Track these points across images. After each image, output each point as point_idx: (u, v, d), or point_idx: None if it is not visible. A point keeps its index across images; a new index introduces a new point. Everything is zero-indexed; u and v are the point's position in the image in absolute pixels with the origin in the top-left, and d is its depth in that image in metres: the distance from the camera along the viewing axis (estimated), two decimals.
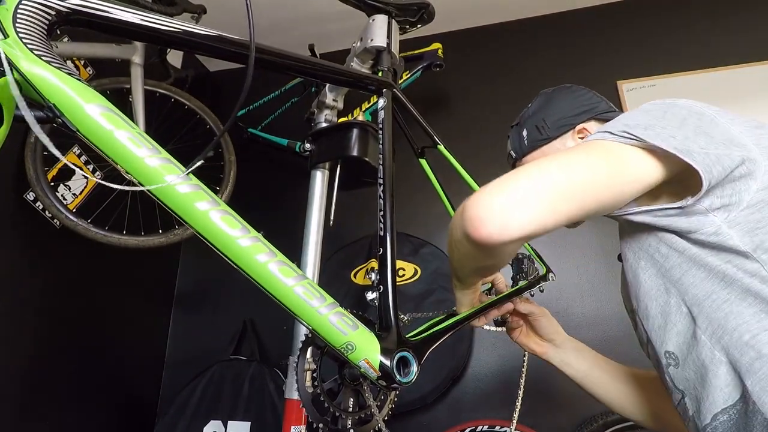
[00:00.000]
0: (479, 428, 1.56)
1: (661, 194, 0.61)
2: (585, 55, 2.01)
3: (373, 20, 1.32)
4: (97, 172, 1.67)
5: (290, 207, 1.91)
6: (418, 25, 1.47)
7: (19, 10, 0.51)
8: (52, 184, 1.45)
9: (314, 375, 0.85)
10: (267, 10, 2.04)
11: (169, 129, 1.71)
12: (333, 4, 1.39)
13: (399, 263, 1.81)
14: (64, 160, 0.50)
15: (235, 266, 0.60)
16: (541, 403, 1.56)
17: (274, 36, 2.16)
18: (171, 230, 1.57)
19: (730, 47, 1.86)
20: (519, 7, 2.11)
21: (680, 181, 0.57)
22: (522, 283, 1.03)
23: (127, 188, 0.54)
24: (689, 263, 0.58)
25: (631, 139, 0.56)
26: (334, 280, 1.84)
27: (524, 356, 1.04)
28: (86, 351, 1.69)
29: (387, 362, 0.68)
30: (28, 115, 0.47)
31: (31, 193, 1.48)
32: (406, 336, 0.76)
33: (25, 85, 0.50)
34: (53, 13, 0.54)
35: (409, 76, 1.79)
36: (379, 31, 1.29)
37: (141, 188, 0.54)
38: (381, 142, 0.92)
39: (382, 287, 0.76)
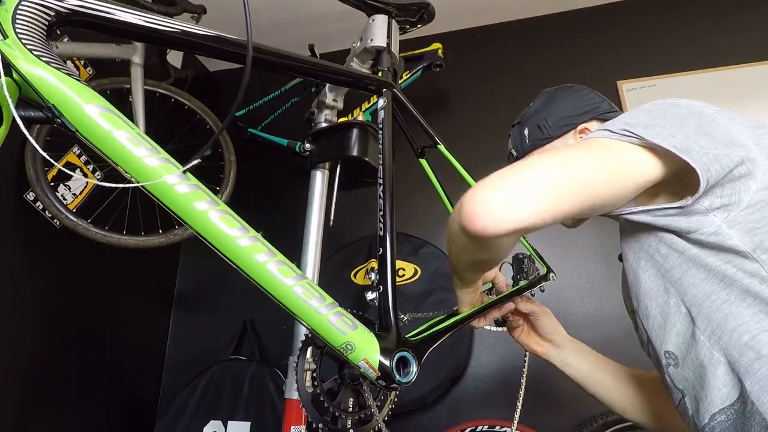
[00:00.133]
0: (479, 428, 1.56)
1: (660, 194, 0.61)
2: (585, 55, 2.01)
3: (373, 20, 1.32)
4: (97, 172, 1.67)
5: (290, 207, 1.91)
6: (418, 25, 1.47)
7: (18, 11, 0.51)
8: (52, 184, 1.45)
9: (314, 375, 0.85)
10: (267, 10, 2.04)
11: (169, 129, 1.71)
12: (333, 4, 1.39)
13: (399, 263, 1.81)
14: (58, 166, 0.51)
15: (234, 266, 0.60)
16: (542, 403, 1.56)
17: (273, 36, 2.16)
18: (171, 230, 1.57)
19: (730, 47, 1.86)
20: (519, 7, 2.11)
21: (680, 180, 0.57)
22: (523, 282, 1.02)
23: (123, 186, 0.54)
24: (689, 263, 0.58)
25: (630, 137, 0.56)
26: (334, 280, 1.84)
27: (525, 356, 1.04)
28: (86, 351, 1.69)
29: (386, 362, 0.68)
30: (16, 116, 0.47)
31: (31, 193, 1.48)
32: (406, 336, 0.76)
33: (24, 85, 0.50)
34: (52, 13, 0.54)
35: (409, 76, 1.79)
36: (379, 31, 1.29)
37: (136, 184, 0.54)
38: (381, 142, 0.92)
39: (381, 287, 0.76)
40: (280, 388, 1.72)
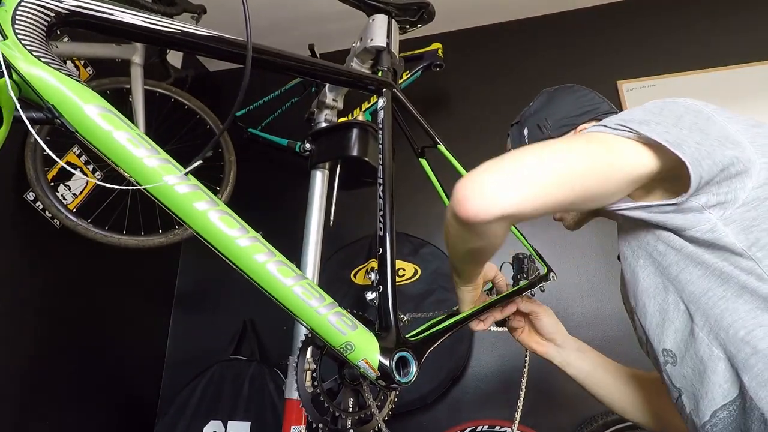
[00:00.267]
0: (479, 428, 1.56)
1: (656, 190, 0.61)
2: (585, 55, 2.01)
3: (373, 20, 1.32)
4: (98, 173, 1.67)
5: (290, 207, 1.91)
6: (418, 25, 1.47)
7: (18, 12, 0.51)
8: (52, 184, 1.45)
9: (314, 375, 0.85)
10: (267, 10, 2.04)
11: (169, 129, 1.71)
12: (333, 4, 1.39)
13: (399, 263, 1.81)
14: (61, 162, 0.51)
15: (233, 266, 0.61)
16: (542, 403, 1.56)
17: (273, 36, 2.16)
18: (171, 230, 1.57)
19: (730, 47, 1.86)
20: (519, 7, 2.11)
21: (676, 178, 0.57)
22: (523, 282, 1.02)
23: (124, 188, 0.54)
24: (686, 261, 0.59)
25: (625, 131, 0.57)
26: (334, 280, 1.84)
27: (525, 356, 1.04)
28: (86, 351, 1.69)
29: (386, 362, 0.68)
30: (24, 116, 0.47)
31: (31, 193, 1.48)
32: (406, 336, 0.76)
33: (24, 86, 0.50)
34: (52, 14, 0.54)
35: (409, 76, 1.79)
36: (379, 31, 1.29)
37: (138, 187, 0.54)
38: (381, 142, 0.92)
39: (381, 287, 0.77)
40: (280, 388, 1.72)
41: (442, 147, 1.17)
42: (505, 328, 0.99)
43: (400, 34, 1.40)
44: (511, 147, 0.99)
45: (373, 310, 0.77)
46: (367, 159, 1.34)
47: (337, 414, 0.83)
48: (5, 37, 0.49)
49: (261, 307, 1.88)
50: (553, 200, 0.54)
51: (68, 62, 1.63)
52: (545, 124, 0.92)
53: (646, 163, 0.57)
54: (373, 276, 0.79)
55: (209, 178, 1.58)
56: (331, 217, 1.40)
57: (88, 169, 1.65)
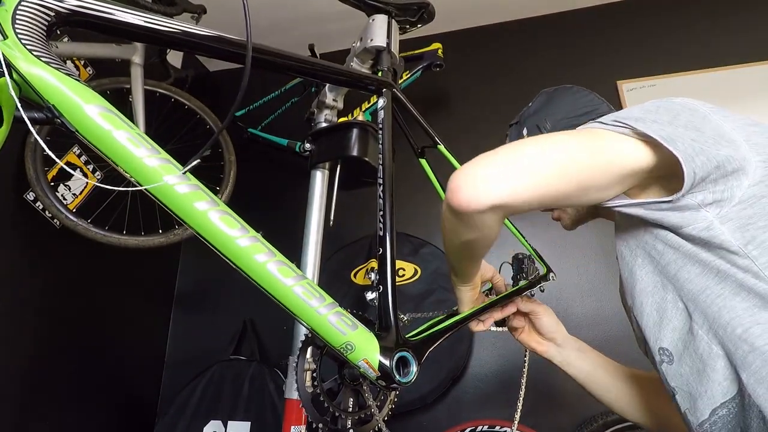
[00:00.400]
0: (479, 428, 1.56)
1: (652, 187, 0.62)
2: (585, 55, 2.01)
3: (373, 20, 1.32)
4: (98, 172, 1.67)
5: (290, 207, 1.91)
6: (418, 25, 1.47)
7: (18, 12, 0.51)
8: (52, 184, 1.45)
9: (314, 375, 0.85)
10: (267, 10, 2.04)
11: (169, 129, 1.71)
12: (333, 4, 1.39)
13: (399, 263, 1.81)
14: (60, 163, 0.51)
15: (234, 266, 0.61)
16: (542, 403, 1.56)
17: (273, 36, 2.16)
18: (171, 230, 1.57)
19: (730, 47, 1.86)
20: (519, 7, 2.11)
21: (673, 176, 0.57)
22: (522, 282, 1.02)
23: (124, 189, 0.54)
24: (684, 259, 0.59)
25: (620, 126, 0.58)
26: (334, 280, 1.84)
27: (525, 356, 1.04)
28: (86, 351, 1.69)
29: (386, 362, 0.68)
30: (25, 116, 0.47)
31: (31, 193, 1.48)
32: (406, 336, 0.76)
33: (24, 85, 0.50)
34: (52, 14, 0.54)
35: (409, 76, 1.79)
36: (379, 31, 1.29)
37: (138, 188, 0.54)
38: (381, 142, 0.92)
39: (381, 287, 0.77)
40: (280, 388, 1.72)
41: (442, 147, 1.17)
42: (505, 328, 0.99)
43: (400, 34, 1.40)
44: None
45: (373, 310, 0.77)
46: (367, 159, 1.34)
47: (337, 414, 0.83)
48: (5, 37, 0.49)
49: (261, 307, 1.88)
50: (545, 192, 0.55)
51: (68, 62, 1.63)
52: (544, 124, 0.92)
53: (642, 158, 0.57)
54: (373, 276, 0.79)
55: (209, 178, 1.58)
56: (331, 217, 1.40)
57: (88, 169, 1.65)
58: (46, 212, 1.51)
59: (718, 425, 0.55)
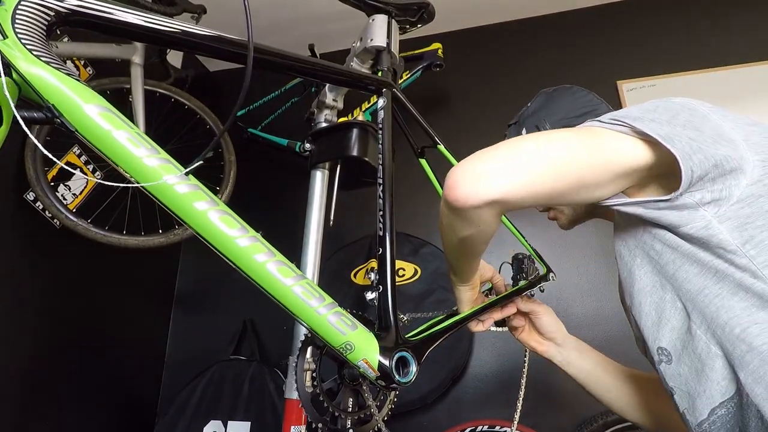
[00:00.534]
0: (479, 428, 1.56)
1: (650, 186, 0.62)
2: (585, 55, 2.01)
3: (373, 20, 1.32)
4: (97, 173, 1.67)
5: (290, 207, 1.91)
6: (418, 25, 1.47)
7: (18, 11, 0.51)
8: (52, 184, 1.45)
9: (314, 375, 0.85)
10: (267, 10, 2.04)
11: (169, 129, 1.71)
12: (333, 4, 1.39)
13: (399, 263, 1.81)
14: (60, 163, 0.51)
15: (233, 266, 0.61)
16: (542, 403, 1.56)
17: (273, 36, 2.16)
18: (171, 230, 1.57)
19: (730, 47, 1.86)
20: (519, 7, 2.11)
21: (671, 175, 0.57)
22: (522, 283, 1.02)
23: (124, 185, 0.54)
24: (683, 259, 0.59)
25: (619, 125, 0.58)
26: (334, 280, 1.84)
27: (525, 355, 1.04)
28: (86, 351, 1.69)
29: (386, 362, 0.68)
30: (18, 116, 0.47)
31: (31, 193, 1.48)
32: (406, 336, 0.76)
33: (24, 85, 0.50)
34: (52, 13, 0.54)
35: (409, 76, 1.79)
36: (379, 31, 1.29)
37: (138, 185, 0.54)
38: (381, 142, 0.92)
39: (381, 287, 0.77)
40: (280, 388, 1.72)
41: (442, 147, 1.17)
42: (506, 328, 0.99)
43: (400, 34, 1.40)
44: None
45: (373, 310, 0.77)
46: (367, 159, 1.34)
47: (336, 414, 0.83)
48: (5, 36, 0.49)
49: (261, 307, 1.88)
50: (541, 188, 0.55)
51: (68, 62, 1.63)
52: (543, 125, 0.92)
53: (640, 156, 0.57)
54: (373, 276, 0.79)
55: (209, 178, 1.58)
56: (331, 217, 1.40)
57: (88, 169, 1.65)
58: (46, 212, 1.51)
59: (716, 425, 0.55)
